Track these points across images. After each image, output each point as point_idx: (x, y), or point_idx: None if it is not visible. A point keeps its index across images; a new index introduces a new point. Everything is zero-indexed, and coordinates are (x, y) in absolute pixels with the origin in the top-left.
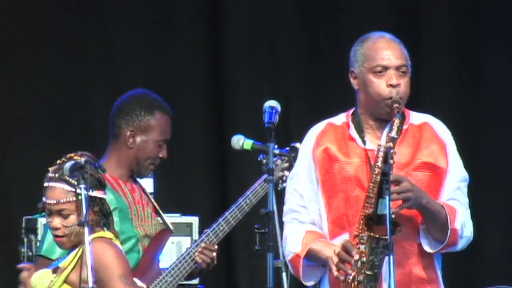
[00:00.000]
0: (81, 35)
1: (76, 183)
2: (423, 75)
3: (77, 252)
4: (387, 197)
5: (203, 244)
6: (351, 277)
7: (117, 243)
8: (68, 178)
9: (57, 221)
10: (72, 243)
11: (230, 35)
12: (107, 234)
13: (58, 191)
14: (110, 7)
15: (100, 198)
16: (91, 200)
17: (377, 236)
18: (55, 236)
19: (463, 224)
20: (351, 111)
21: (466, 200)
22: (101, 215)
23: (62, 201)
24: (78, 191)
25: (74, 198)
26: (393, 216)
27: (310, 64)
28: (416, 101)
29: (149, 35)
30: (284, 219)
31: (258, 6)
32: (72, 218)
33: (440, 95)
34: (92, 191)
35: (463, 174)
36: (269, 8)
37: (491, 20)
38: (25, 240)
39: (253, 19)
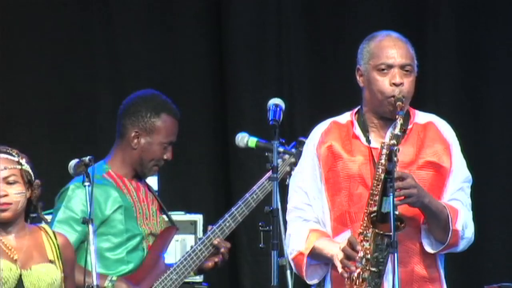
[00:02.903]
0: (86, 34)
1: (16, 156)
2: (427, 74)
3: (56, 246)
4: (391, 195)
5: (218, 239)
6: (355, 274)
7: None
8: (9, 150)
9: (4, 187)
10: (16, 214)
11: (235, 34)
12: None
13: (3, 160)
14: (115, 6)
15: (35, 183)
16: (31, 180)
17: (381, 232)
18: (3, 203)
19: (464, 225)
20: (356, 109)
21: (468, 201)
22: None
23: (9, 167)
24: (21, 161)
25: (19, 167)
26: (396, 212)
27: (314, 62)
28: (420, 101)
29: (153, 34)
30: (287, 217)
31: (262, 6)
32: (20, 187)
33: (444, 95)
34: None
35: (467, 175)
36: (273, 8)
37: (496, 19)
38: None
39: (257, 18)
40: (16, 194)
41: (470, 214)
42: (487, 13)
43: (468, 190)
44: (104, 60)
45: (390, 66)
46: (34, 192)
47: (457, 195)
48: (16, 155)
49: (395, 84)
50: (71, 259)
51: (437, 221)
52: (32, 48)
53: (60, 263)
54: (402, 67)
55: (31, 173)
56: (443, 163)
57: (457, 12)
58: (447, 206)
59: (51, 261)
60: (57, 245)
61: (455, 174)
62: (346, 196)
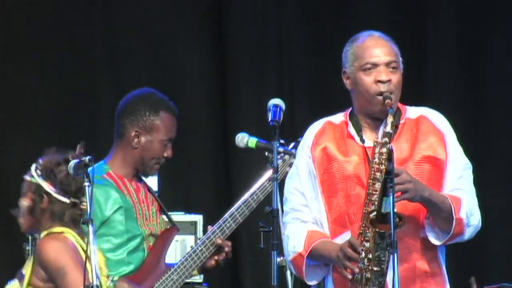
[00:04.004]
0: (86, 33)
1: (33, 169)
2: (428, 74)
3: (34, 256)
4: (391, 195)
5: (218, 240)
6: (359, 275)
7: (69, 236)
8: (32, 166)
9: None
10: (25, 226)
11: (235, 34)
12: (56, 229)
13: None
14: (115, 6)
15: (49, 193)
16: (41, 191)
17: (381, 231)
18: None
19: (469, 213)
20: (349, 110)
21: (471, 188)
22: (52, 215)
23: (24, 176)
24: (32, 173)
25: (29, 179)
26: (396, 210)
27: (314, 62)
28: (420, 101)
29: (154, 33)
30: (284, 218)
31: (262, 6)
32: (24, 199)
33: (444, 95)
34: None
35: (465, 162)
36: (273, 8)
37: (496, 19)
38: (30, 238)
39: (258, 18)
40: (21, 207)
41: (474, 201)
42: (487, 13)
43: (470, 177)
44: (104, 60)
45: (375, 65)
46: (42, 202)
47: (458, 184)
48: (32, 169)
49: (381, 82)
50: (47, 261)
51: (440, 212)
52: (32, 48)
53: (31, 275)
54: (387, 64)
55: (41, 185)
56: (439, 156)
57: (457, 12)
58: (449, 196)
59: (21, 276)
60: (36, 253)
61: (452, 163)
62: (344, 197)
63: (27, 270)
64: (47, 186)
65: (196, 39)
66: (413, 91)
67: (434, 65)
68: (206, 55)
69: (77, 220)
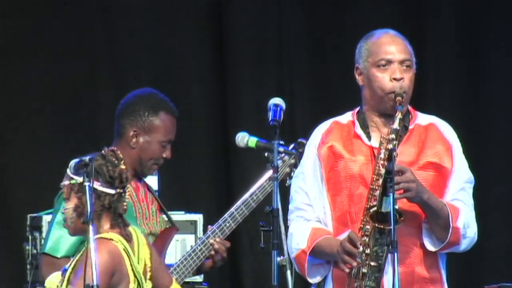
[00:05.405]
0: (86, 33)
1: (70, 173)
2: (428, 75)
3: (81, 253)
4: (391, 195)
5: (217, 239)
6: (355, 269)
7: (119, 245)
8: (72, 162)
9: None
10: (73, 230)
11: (235, 33)
12: (109, 235)
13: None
14: (115, 5)
15: (102, 192)
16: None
17: (381, 227)
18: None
19: (466, 224)
20: (357, 109)
21: (471, 201)
22: (102, 209)
23: (62, 184)
24: (71, 176)
25: (68, 182)
26: (396, 206)
27: (314, 62)
28: (420, 101)
29: (154, 33)
30: (289, 217)
31: (263, 5)
32: (68, 203)
33: (444, 95)
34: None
35: (468, 175)
36: (274, 7)
37: (496, 18)
38: (30, 237)
39: (258, 18)
40: (65, 211)
41: (472, 214)
42: (487, 12)
43: (470, 191)
44: (105, 60)
45: (389, 62)
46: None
47: (459, 195)
48: (72, 168)
49: (395, 79)
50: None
51: (437, 218)
52: (33, 48)
53: (71, 271)
54: (401, 62)
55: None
56: (444, 164)
57: (457, 12)
58: (447, 204)
59: (64, 270)
60: (80, 253)
61: (456, 174)
62: (347, 196)
63: (70, 266)
64: (96, 186)
65: (196, 39)
66: (413, 89)
67: (434, 63)
68: (206, 55)
69: (123, 213)
